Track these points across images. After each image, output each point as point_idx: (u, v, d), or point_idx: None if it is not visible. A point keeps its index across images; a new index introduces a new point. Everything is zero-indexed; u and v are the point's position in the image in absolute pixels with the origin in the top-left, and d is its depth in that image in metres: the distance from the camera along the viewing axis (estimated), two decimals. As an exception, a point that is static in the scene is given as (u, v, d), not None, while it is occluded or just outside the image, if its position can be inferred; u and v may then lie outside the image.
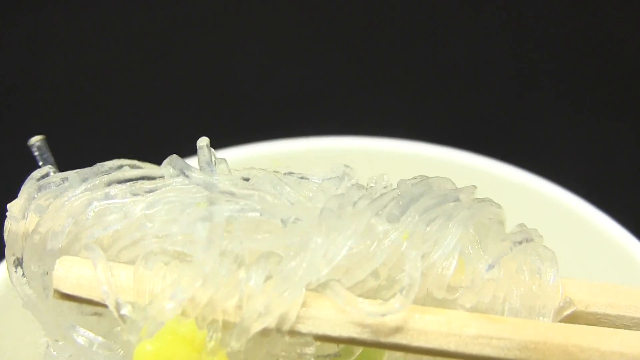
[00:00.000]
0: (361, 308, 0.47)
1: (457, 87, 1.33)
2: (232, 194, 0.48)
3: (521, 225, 0.56)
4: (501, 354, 0.48)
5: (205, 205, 0.48)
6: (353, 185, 0.52)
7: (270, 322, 0.46)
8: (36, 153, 0.55)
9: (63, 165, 0.55)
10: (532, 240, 0.53)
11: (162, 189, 0.50)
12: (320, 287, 0.48)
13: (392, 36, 1.41)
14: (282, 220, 0.48)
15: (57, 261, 0.48)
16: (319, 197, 0.52)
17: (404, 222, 0.50)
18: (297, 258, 0.47)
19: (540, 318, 0.52)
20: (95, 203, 0.50)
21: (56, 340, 0.50)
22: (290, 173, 0.56)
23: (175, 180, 0.50)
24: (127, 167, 0.57)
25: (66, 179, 0.52)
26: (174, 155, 0.53)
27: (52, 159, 0.56)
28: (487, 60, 1.37)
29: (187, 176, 0.50)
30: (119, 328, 0.47)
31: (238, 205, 0.47)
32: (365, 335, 0.47)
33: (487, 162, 0.80)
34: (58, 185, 0.52)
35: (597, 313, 0.54)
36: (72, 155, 0.56)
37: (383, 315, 0.46)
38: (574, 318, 0.54)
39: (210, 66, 1.34)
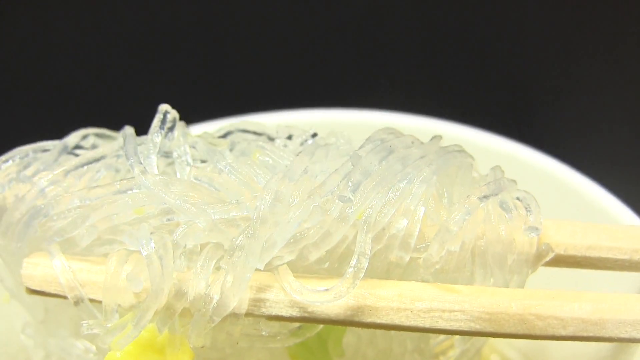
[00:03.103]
0: (305, 296, 0.46)
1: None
2: (167, 206, 0.48)
3: (494, 169, 0.52)
4: (455, 326, 0.47)
5: (143, 212, 0.48)
6: (298, 155, 0.49)
7: (225, 312, 0.47)
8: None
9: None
10: (500, 191, 0.50)
11: (108, 194, 0.49)
12: (274, 270, 0.48)
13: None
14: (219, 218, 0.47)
15: (25, 260, 0.50)
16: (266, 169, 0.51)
17: (359, 199, 0.47)
18: (241, 248, 0.46)
19: (515, 267, 0.50)
20: (51, 210, 0.50)
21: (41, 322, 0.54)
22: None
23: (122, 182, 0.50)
24: (91, 136, 0.58)
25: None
26: (128, 134, 0.52)
27: None
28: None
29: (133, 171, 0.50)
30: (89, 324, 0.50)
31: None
32: (316, 315, 0.48)
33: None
34: (22, 158, 0.54)
35: (577, 256, 0.51)
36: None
37: (327, 302, 0.46)
38: (553, 262, 0.52)
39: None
